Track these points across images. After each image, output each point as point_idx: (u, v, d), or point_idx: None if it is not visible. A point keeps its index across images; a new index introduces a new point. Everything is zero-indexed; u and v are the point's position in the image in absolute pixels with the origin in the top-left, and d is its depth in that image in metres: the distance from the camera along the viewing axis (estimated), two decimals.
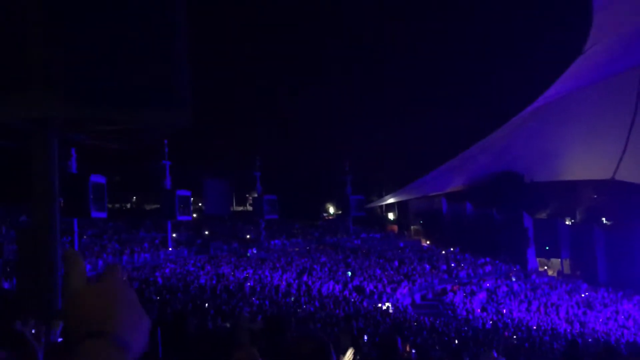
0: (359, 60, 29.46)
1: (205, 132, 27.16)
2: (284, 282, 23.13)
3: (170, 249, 26.42)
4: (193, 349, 5.64)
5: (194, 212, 30.72)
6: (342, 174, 34.97)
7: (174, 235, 27.76)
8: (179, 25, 2.38)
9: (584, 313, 26.93)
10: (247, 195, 40.08)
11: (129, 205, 39.33)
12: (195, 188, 31.04)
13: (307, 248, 31.55)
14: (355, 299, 22.69)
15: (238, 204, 42.61)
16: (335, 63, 29.45)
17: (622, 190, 42.51)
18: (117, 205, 35.57)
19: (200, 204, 35.69)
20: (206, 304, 15.40)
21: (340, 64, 29.59)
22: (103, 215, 18.68)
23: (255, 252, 28.75)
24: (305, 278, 24.51)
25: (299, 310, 18.30)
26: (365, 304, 22.27)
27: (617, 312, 27.87)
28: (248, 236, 31.96)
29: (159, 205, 28.72)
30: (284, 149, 33.71)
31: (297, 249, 31.09)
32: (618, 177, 42.40)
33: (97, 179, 17.53)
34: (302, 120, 32.15)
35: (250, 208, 38.37)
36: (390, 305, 23.36)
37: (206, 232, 31.49)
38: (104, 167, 18.56)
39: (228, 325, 9.51)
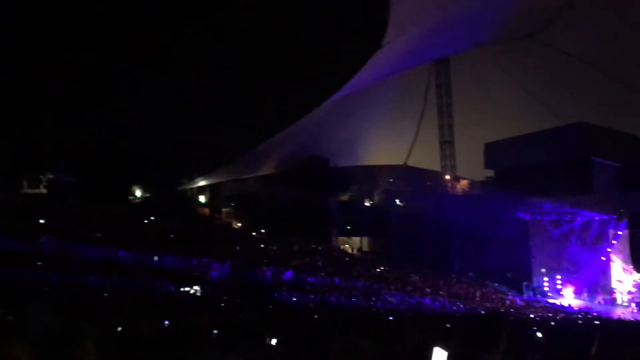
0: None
1: None
2: None
3: None
4: None
5: None
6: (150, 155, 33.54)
7: None
8: None
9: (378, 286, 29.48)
10: (41, 177, 36.32)
11: None
12: None
13: None
14: None
15: (31, 187, 38.43)
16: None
17: (412, 174, 47.47)
18: None
19: None
20: None
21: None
22: None
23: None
24: None
25: None
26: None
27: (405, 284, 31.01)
28: None
29: None
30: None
31: None
32: (409, 163, 47.22)
33: None
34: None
35: (44, 190, 34.89)
36: (198, 288, 23.10)
37: None
38: None
39: None
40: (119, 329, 4.58)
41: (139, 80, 30.85)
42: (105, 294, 14.75)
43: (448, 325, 14.23)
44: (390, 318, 14.23)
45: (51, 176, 33.28)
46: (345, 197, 43.92)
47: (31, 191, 35.79)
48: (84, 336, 2.76)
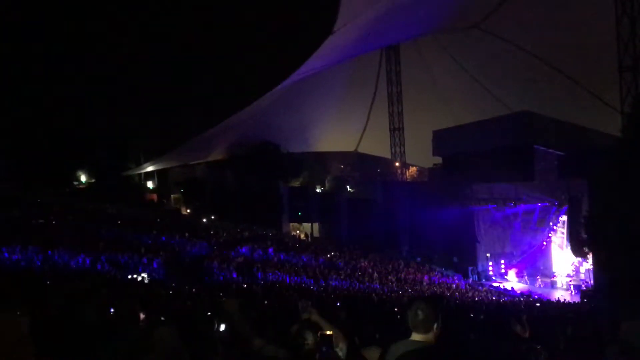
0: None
1: None
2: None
3: None
4: None
5: None
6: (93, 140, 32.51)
7: None
8: None
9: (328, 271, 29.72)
10: None
11: None
12: None
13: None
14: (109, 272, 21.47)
15: None
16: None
17: (362, 161, 47.92)
18: None
19: None
20: None
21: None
22: None
23: None
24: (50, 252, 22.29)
25: None
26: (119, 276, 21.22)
27: (355, 269, 31.36)
28: None
29: None
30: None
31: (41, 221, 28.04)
32: (360, 150, 47.60)
33: None
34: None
35: None
36: (145, 275, 22.66)
37: None
38: None
39: None
40: (57, 314, 4.43)
41: (87, 63, 29.86)
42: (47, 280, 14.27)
43: (396, 309, 14.53)
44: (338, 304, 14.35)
45: None
46: (296, 183, 43.90)
47: None
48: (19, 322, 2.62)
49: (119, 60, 29.78)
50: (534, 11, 31.06)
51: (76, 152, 36.01)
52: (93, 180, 40.21)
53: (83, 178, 40.72)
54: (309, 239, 40.66)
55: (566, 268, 32.18)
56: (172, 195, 43.63)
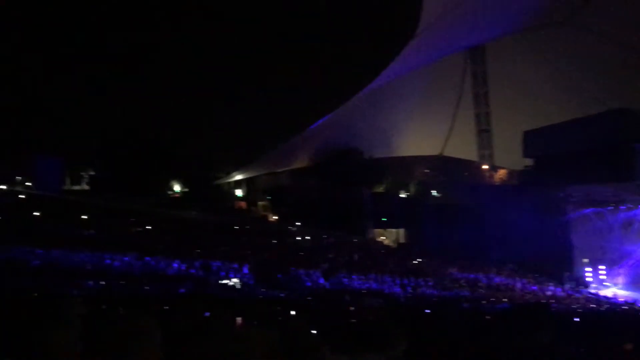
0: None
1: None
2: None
3: None
4: None
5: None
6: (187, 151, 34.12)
7: None
8: None
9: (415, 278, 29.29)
10: (83, 174, 37.29)
11: None
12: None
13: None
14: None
15: (74, 183, 39.57)
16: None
17: (449, 165, 46.85)
18: None
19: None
20: None
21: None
22: None
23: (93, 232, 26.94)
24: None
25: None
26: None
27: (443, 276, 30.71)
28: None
29: None
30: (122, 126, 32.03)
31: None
32: (445, 153, 46.61)
33: None
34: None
35: (86, 187, 35.85)
36: (237, 280, 23.39)
37: None
38: None
39: None
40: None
41: (176, 78, 31.36)
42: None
43: (488, 317, 14.05)
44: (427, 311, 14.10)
45: (92, 173, 34.13)
46: (379, 189, 43.68)
47: (75, 188, 36.90)
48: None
49: (208, 75, 31.09)
50: (628, 3, 29.22)
51: (170, 163, 37.91)
52: (186, 190, 42.09)
53: (177, 187, 42.77)
54: (395, 245, 40.29)
55: None
56: (259, 203, 44.74)
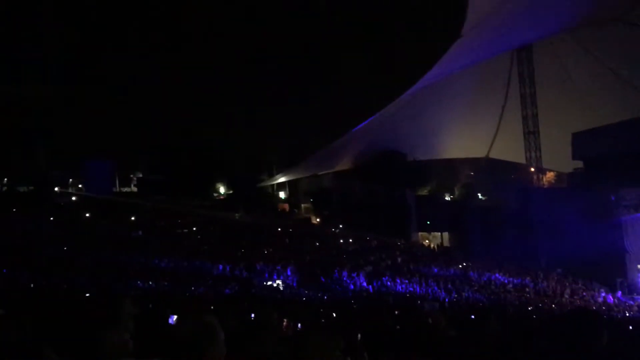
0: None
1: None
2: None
3: None
4: None
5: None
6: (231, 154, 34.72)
7: None
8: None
9: (460, 282, 28.83)
10: (132, 176, 38.41)
11: None
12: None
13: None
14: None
15: (123, 185, 40.82)
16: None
17: (495, 167, 45.91)
18: None
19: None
20: None
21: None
22: None
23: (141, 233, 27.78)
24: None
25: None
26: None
27: (489, 281, 30.12)
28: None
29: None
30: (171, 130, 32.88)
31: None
32: (491, 155, 45.72)
33: None
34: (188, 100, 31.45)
35: (135, 189, 36.89)
36: (280, 282, 23.60)
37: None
38: None
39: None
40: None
41: (222, 83, 31.91)
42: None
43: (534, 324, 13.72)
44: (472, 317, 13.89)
45: (140, 175, 35.15)
46: (424, 192, 43.24)
47: (124, 190, 38.05)
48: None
49: (253, 79, 31.56)
50: None
51: (216, 166, 38.65)
52: (231, 192, 42.79)
53: (222, 190, 43.53)
54: (439, 249, 39.80)
55: None
56: (302, 205, 45.03)
